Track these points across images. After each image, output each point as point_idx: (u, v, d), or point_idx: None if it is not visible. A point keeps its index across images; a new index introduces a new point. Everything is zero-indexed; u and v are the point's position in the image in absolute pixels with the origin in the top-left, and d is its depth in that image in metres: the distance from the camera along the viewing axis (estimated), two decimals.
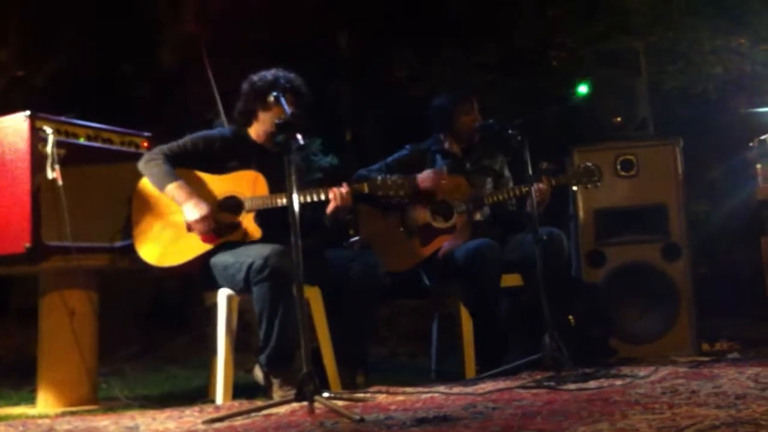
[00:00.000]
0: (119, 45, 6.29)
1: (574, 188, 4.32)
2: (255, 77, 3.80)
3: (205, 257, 3.59)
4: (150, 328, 5.81)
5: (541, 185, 4.01)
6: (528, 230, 3.94)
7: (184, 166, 3.68)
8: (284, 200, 3.53)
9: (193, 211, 3.54)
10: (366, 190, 3.70)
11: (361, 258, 3.72)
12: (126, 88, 6.50)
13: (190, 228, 3.59)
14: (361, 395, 3.28)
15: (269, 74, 3.77)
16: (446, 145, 4.42)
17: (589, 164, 4.13)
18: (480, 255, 3.97)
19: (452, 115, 4.37)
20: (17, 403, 3.79)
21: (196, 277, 3.70)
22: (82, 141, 3.71)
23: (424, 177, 4.14)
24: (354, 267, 3.68)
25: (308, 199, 3.62)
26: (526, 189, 3.94)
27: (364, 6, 7.10)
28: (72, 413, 3.38)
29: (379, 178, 3.74)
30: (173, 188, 3.58)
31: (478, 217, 4.27)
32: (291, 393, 2.96)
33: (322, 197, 3.63)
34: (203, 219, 3.53)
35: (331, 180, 3.74)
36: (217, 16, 6.34)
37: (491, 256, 4.00)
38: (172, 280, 4.13)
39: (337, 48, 7.60)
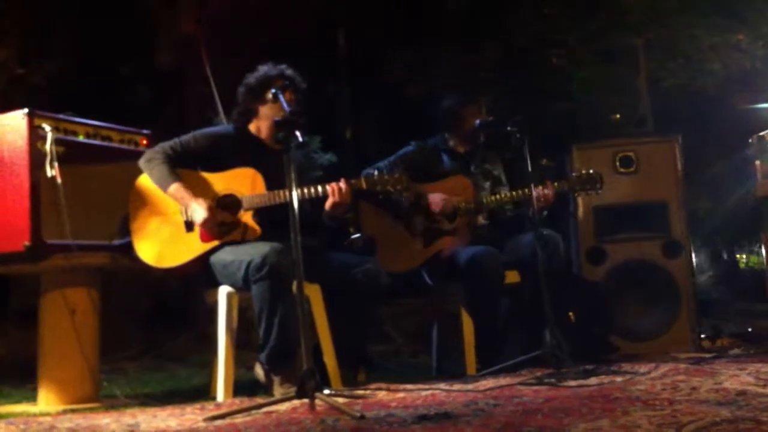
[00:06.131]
0: (118, 44, 6.29)
1: (575, 194, 4.34)
2: (251, 75, 3.81)
3: (205, 257, 3.59)
4: (151, 327, 5.81)
5: (546, 191, 4.01)
6: (526, 231, 3.94)
7: (185, 163, 3.68)
8: (282, 197, 3.53)
9: (199, 214, 3.54)
10: (364, 185, 3.69)
11: (365, 266, 3.71)
12: (125, 88, 6.51)
13: (190, 227, 3.59)
14: (362, 392, 3.28)
15: (265, 70, 3.78)
16: (451, 143, 4.42)
17: (591, 171, 4.12)
18: (481, 263, 3.98)
19: (460, 116, 4.37)
20: (18, 402, 3.79)
21: (197, 276, 3.70)
22: (81, 138, 3.71)
23: (434, 198, 4.14)
24: (357, 274, 3.67)
25: (306, 195, 3.62)
26: (529, 193, 3.94)
27: (363, 5, 7.10)
28: (73, 411, 3.38)
29: (376, 173, 3.71)
30: (176, 189, 3.59)
31: (480, 220, 4.28)
32: (292, 390, 2.96)
33: (320, 192, 3.62)
34: (207, 221, 3.53)
35: (330, 178, 3.73)
36: (216, 16, 6.34)
37: (492, 263, 4.01)
38: (173, 278, 4.14)
39: (336, 47, 7.60)
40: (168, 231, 3.61)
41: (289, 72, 3.79)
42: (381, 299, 3.88)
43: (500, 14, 6.81)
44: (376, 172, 3.73)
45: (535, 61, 6.84)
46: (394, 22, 7.15)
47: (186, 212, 3.60)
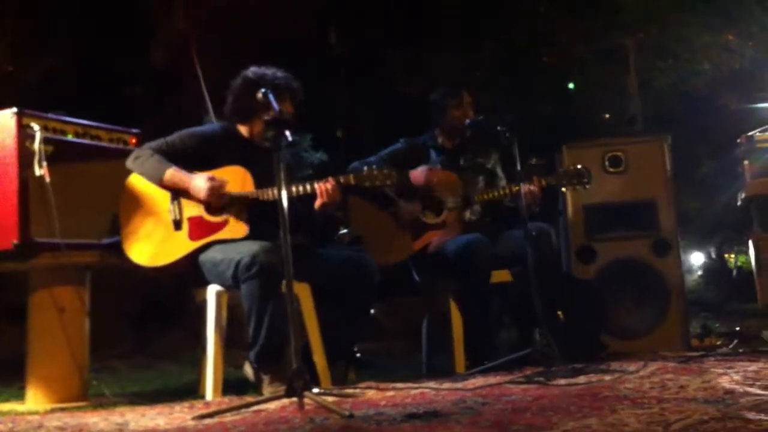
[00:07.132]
0: (112, 43, 6.27)
1: (563, 189, 4.34)
2: (251, 74, 3.76)
3: (194, 255, 3.58)
4: (141, 325, 5.80)
5: (532, 187, 4.00)
6: (518, 226, 3.94)
7: (173, 163, 3.65)
8: (271, 195, 3.52)
9: (201, 184, 3.52)
10: (352, 181, 3.67)
11: (358, 261, 3.70)
12: (121, 85, 6.49)
13: (178, 226, 3.58)
14: (351, 391, 3.28)
15: (268, 71, 3.75)
16: (440, 140, 4.43)
17: (579, 166, 4.13)
18: (470, 249, 3.97)
19: (444, 109, 4.38)
20: (6, 400, 3.78)
21: (187, 274, 3.69)
22: (69, 138, 3.70)
23: (416, 174, 4.15)
24: (350, 270, 3.67)
25: (295, 193, 3.59)
26: (516, 188, 3.94)
27: (362, 4, 7.10)
28: (62, 410, 3.37)
29: (365, 169, 3.67)
30: (172, 174, 3.57)
31: (468, 215, 4.27)
32: (281, 389, 2.96)
33: (308, 189, 3.61)
34: (213, 188, 3.51)
35: (320, 176, 3.72)
36: (211, 15, 6.34)
37: (482, 250, 4.00)
38: (162, 276, 4.13)
39: (331, 46, 7.60)
40: (158, 230, 3.60)
41: (280, 73, 3.76)
42: (371, 297, 3.88)
43: (495, 14, 6.81)
44: (365, 168, 3.71)
45: (530, 60, 6.84)
46: (390, 21, 7.14)
47: (183, 199, 3.58)
